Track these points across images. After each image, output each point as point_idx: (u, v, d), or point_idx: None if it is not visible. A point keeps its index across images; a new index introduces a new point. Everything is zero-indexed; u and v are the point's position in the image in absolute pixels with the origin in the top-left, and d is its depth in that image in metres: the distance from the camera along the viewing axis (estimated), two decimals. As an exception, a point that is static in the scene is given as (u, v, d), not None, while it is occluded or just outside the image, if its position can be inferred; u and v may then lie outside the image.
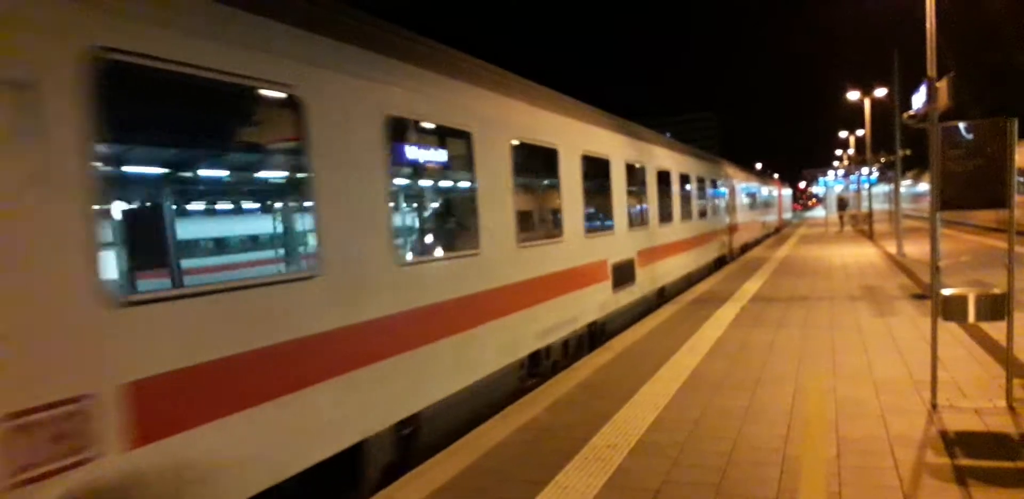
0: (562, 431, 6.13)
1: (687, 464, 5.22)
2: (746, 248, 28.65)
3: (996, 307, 6.03)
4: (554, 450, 5.65)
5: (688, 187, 17.01)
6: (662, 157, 14.57)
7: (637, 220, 12.53)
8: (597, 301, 10.27)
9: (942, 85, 11.84)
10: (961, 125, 6.07)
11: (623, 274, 11.44)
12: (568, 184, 9.47)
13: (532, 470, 5.24)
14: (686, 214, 16.59)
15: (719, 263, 21.79)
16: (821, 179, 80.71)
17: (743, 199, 28.65)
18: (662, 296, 14.46)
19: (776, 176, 73.75)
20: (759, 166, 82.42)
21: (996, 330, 8.96)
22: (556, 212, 9.29)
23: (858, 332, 9.84)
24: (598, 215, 10.84)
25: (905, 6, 16.69)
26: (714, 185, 21.17)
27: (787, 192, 65.58)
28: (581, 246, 9.78)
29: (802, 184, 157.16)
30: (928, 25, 13.53)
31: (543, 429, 6.23)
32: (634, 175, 12.45)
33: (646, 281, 12.86)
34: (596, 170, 10.64)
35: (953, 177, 6.11)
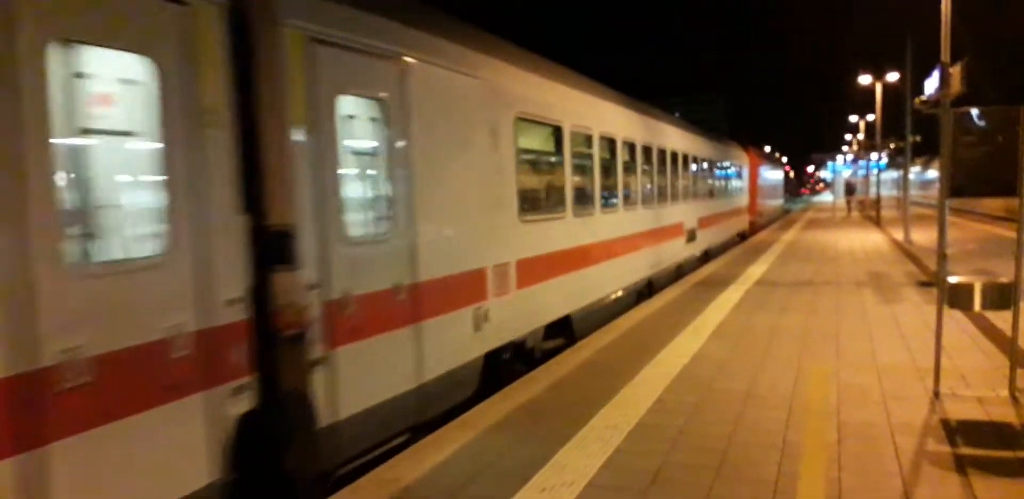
0: (562, 411, 6.13)
1: (687, 446, 5.22)
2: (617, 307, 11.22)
3: (1003, 296, 5.99)
4: (554, 429, 5.65)
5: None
6: None
7: None
8: None
9: (956, 70, 11.70)
10: (974, 111, 5.99)
11: None
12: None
13: (532, 448, 5.24)
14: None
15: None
16: (829, 163, 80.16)
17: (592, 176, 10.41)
18: None
19: (769, 151, 54.15)
20: (767, 149, 78.16)
21: (1001, 319, 8.92)
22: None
23: (862, 318, 9.82)
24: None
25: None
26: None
27: (775, 174, 42.80)
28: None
29: (810, 168, 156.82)
30: (943, 8, 13.34)
31: (543, 408, 6.23)
32: None
33: None
34: None
35: (964, 164, 6.04)
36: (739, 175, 26.65)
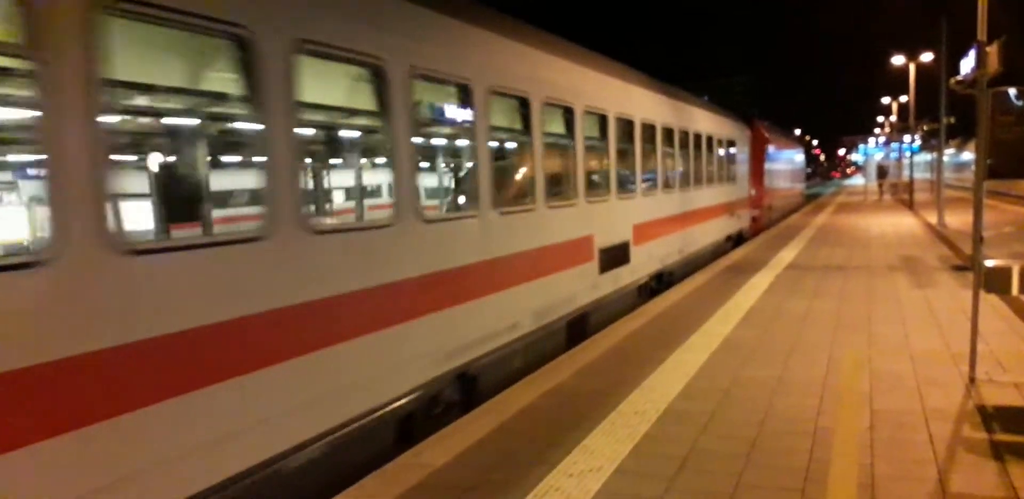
0: (590, 396, 6.11)
1: (716, 433, 5.17)
2: None
3: (1042, 280, 5.84)
4: (581, 415, 5.63)
5: None
6: None
7: None
8: None
9: (993, 49, 11.41)
10: (1011, 91, 5.85)
11: None
12: None
13: (559, 434, 5.24)
14: None
15: None
16: (861, 146, 78.89)
17: None
18: None
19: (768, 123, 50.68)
20: (797, 132, 76.28)
21: (1039, 303, 8.76)
22: None
23: (896, 303, 9.67)
24: None
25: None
26: None
27: (793, 155, 33.38)
28: None
29: (842, 151, 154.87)
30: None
31: (570, 394, 6.21)
32: None
33: None
34: None
35: (1001, 145, 5.89)
36: (734, 155, 19.26)
